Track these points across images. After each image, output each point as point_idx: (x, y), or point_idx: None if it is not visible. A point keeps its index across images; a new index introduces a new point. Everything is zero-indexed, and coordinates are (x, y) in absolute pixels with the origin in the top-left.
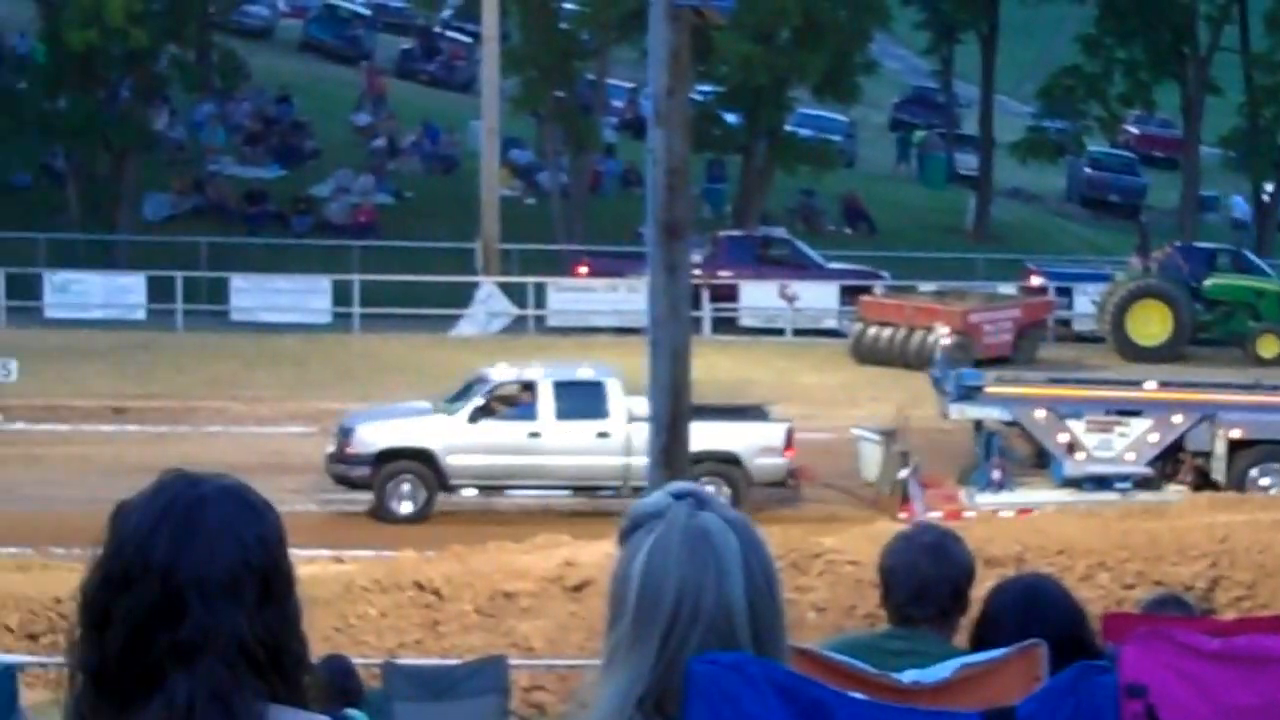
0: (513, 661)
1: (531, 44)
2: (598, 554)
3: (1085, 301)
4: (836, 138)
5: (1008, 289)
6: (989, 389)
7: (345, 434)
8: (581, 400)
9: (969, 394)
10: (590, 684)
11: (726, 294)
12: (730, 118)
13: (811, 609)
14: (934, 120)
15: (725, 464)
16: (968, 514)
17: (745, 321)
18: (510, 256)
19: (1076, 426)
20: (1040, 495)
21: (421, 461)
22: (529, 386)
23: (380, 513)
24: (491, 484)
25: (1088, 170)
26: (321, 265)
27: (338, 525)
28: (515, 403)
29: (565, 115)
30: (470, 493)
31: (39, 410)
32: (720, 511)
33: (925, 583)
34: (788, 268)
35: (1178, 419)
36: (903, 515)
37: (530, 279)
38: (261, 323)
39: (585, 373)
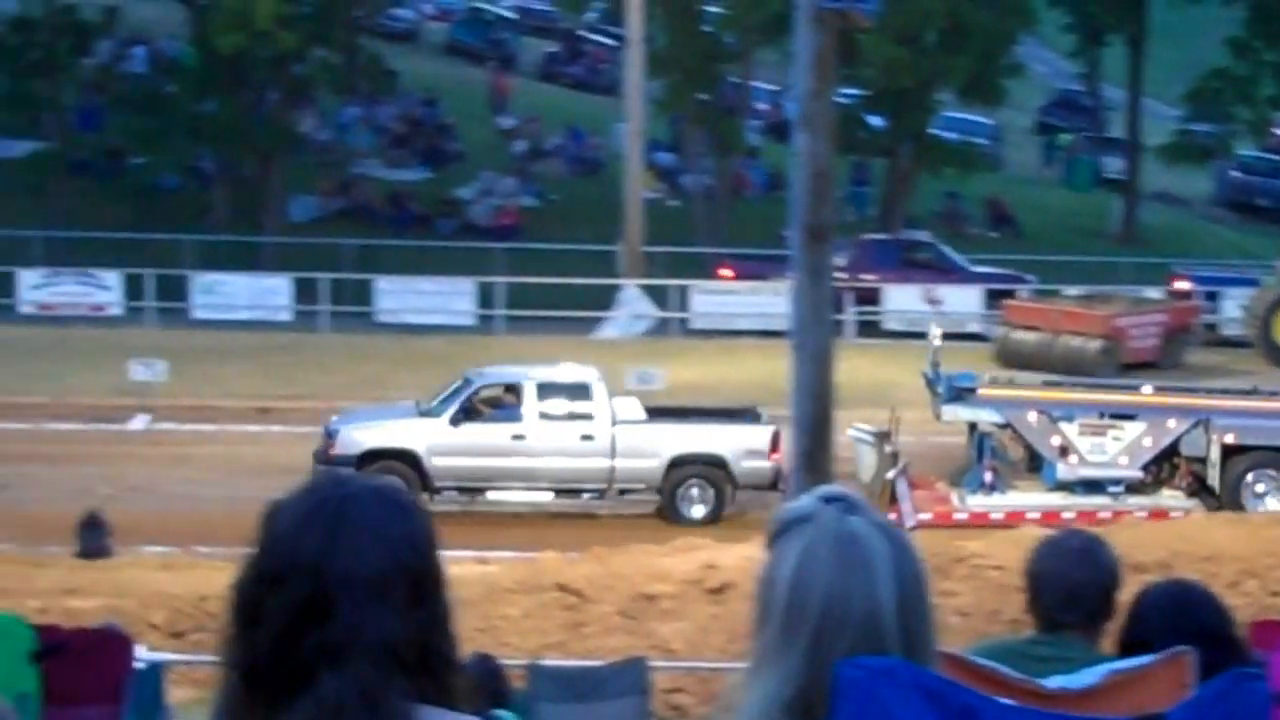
0: (653, 663)
1: (676, 47)
2: (738, 557)
3: (1232, 306)
4: (981, 141)
5: (1154, 293)
6: (981, 391)
7: (330, 435)
8: (566, 402)
9: (961, 396)
10: (735, 687)
11: (870, 297)
12: (875, 121)
13: (955, 614)
14: (1080, 123)
15: (710, 467)
16: (958, 516)
17: (889, 325)
18: (653, 259)
19: (1069, 429)
20: (1031, 498)
21: (405, 463)
22: (514, 388)
23: None
24: (475, 486)
25: (1236, 173)
26: (465, 267)
27: (476, 526)
28: (501, 404)
29: (709, 118)
30: (452, 494)
31: (186, 410)
32: (870, 516)
33: (1075, 588)
34: (932, 271)
35: (1172, 423)
36: (891, 516)
37: (673, 281)
38: (406, 324)
39: (570, 374)
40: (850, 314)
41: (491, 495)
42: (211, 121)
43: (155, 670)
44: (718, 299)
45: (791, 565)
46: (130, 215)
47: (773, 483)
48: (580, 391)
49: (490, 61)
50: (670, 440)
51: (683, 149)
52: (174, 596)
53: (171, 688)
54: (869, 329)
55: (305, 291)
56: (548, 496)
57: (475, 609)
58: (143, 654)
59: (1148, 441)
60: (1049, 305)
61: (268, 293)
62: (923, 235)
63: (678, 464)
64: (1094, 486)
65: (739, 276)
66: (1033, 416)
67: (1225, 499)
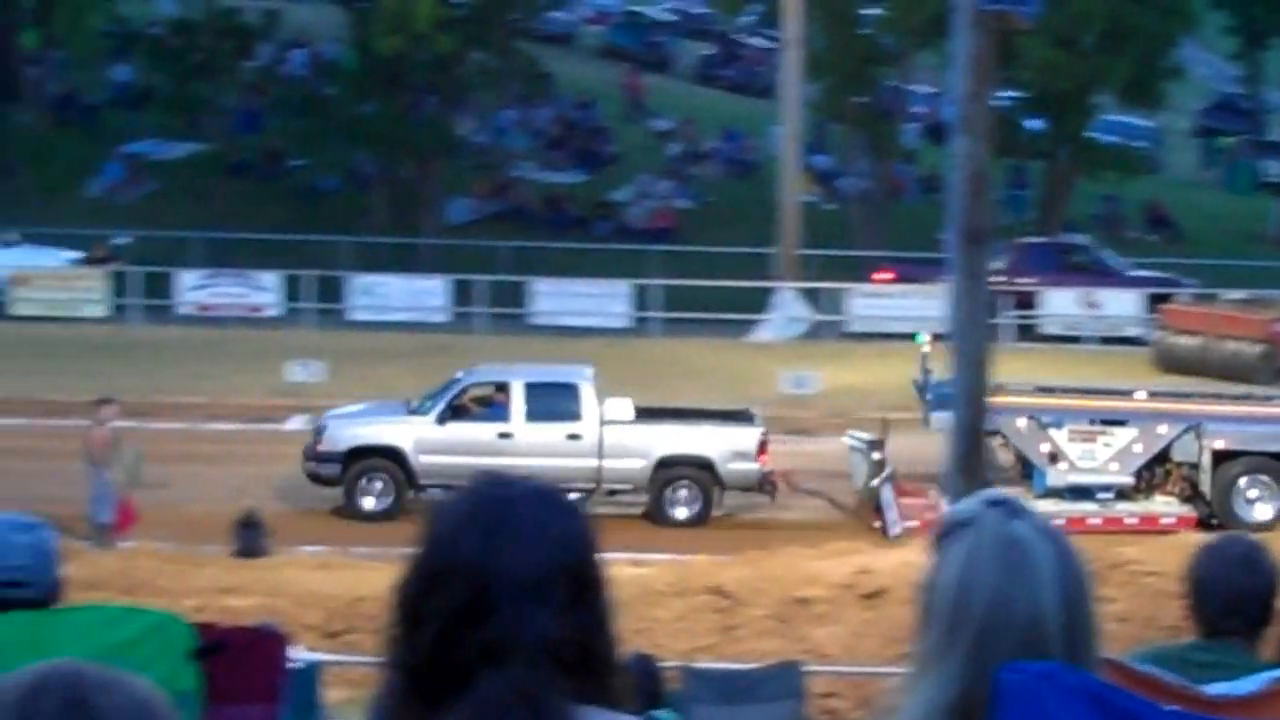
0: (807, 667)
1: (833, 49)
2: (894, 561)
3: None
4: (1140, 144)
5: None
6: None
7: (318, 432)
8: (554, 402)
9: (948, 402)
10: (895, 691)
11: (1027, 301)
12: (1033, 123)
13: (1112, 620)
14: (1241, 126)
15: (697, 468)
16: None
17: (1046, 329)
18: (809, 262)
19: (1058, 436)
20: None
21: (391, 460)
22: (502, 387)
23: (348, 510)
24: (460, 484)
25: None
26: (621, 269)
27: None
28: (490, 403)
29: (866, 120)
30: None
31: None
32: (1034, 520)
33: (1238, 595)
34: (1089, 275)
35: (1163, 429)
36: (876, 525)
37: (829, 284)
38: (561, 326)
39: (559, 374)
40: (1007, 317)
41: None
42: (370, 124)
43: (311, 670)
44: (874, 302)
45: (955, 569)
46: (289, 217)
47: (760, 485)
48: (568, 392)
49: (627, 63)
50: (658, 441)
51: (839, 152)
52: (329, 597)
53: (326, 688)
54: (1026, 333)
55: (461, 293)
56: None
57: (628, 611)
58: (299, 654)
59: (1138, 448)
60: (1208, 310)
61: (424, 294)
62: (1081, 238)
63: (665, 465)
64: (1083, 493)
65: (897, 280)
66: (1022, 423)
67: (1216, 505)
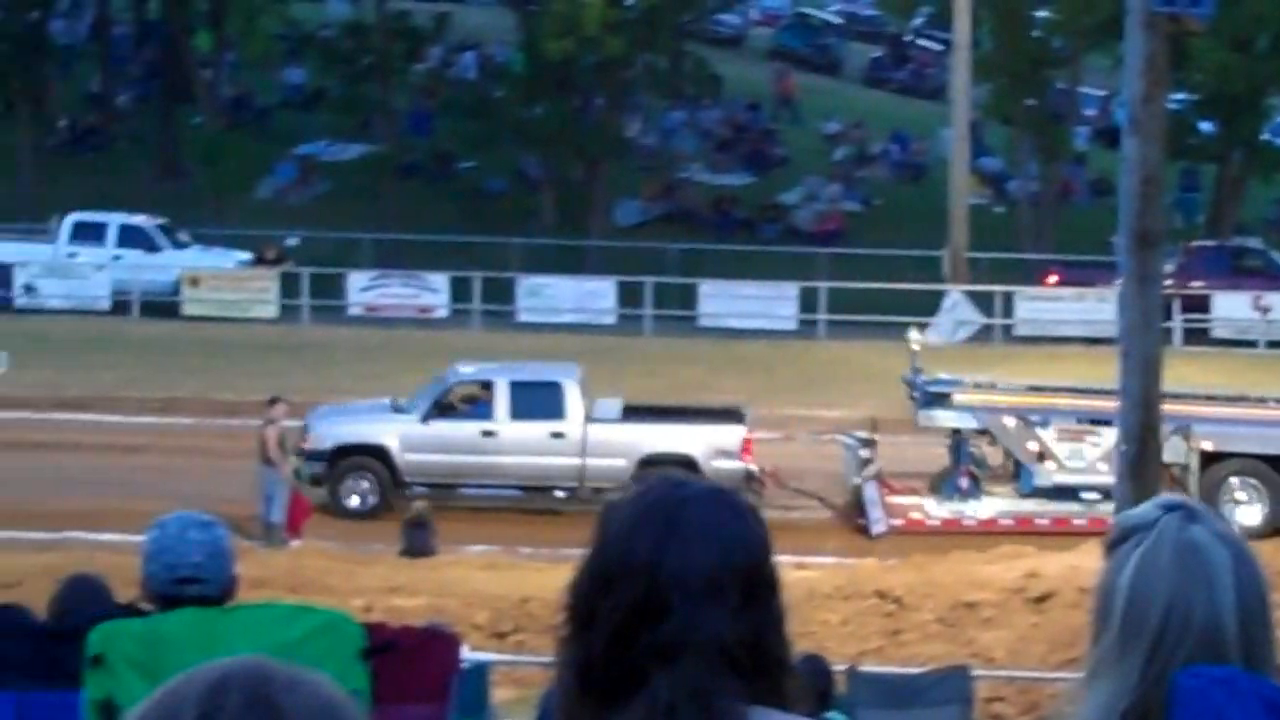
0: (974, 672)
1: (1003, 51)
2: (1062, 565)
3: None
4: None
5: None
6: (958, 396)
7: (305, 430)
8: (537, 400)
9: (937, 400)
10: (1067, 696)
11: (1198, 305)
12: (1205, 126)
13: None
14: None
15: (680, 467)
16: (930, 522)
17: (1217, 333)
18: (978, 264)
19: (1046, 435)
20: (1006, 505)
21: (376, 458)
22: (487, 386)
23: (334, 508)
24: (444, 482)
25: None
26: (789, 272)
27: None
28: (475, 401)
29: (1036, 123)
30: (421, 491)
31: None
32: (1211, 525)
33: None
34: (1262, 278)
35: None
36: (860, 522)
37: (998, 287)
38: (728, 328)
39: (543, 372)
40: (1178, 321)
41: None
42: (539, 126)
43: (480, 670)
44: (1043, 305)
45: (1130, 574)
46: (458, 218)
47: (746, 483)
48: (552, 390)
49: (779, 62)
50: (641, 440)
51: (1008, 154)
52: (497, 596)
53: (494, 687)
54: (1197, 336)
55: (629, 295)
56: (516, 494)
57: (794, 614)
58: (467, 654)
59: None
60: None
61: (592, 296)
62: (1253, 242)
63: (648, 463)
64: (1068, 493)
65: (1065, 283)
66: (1010, 422)
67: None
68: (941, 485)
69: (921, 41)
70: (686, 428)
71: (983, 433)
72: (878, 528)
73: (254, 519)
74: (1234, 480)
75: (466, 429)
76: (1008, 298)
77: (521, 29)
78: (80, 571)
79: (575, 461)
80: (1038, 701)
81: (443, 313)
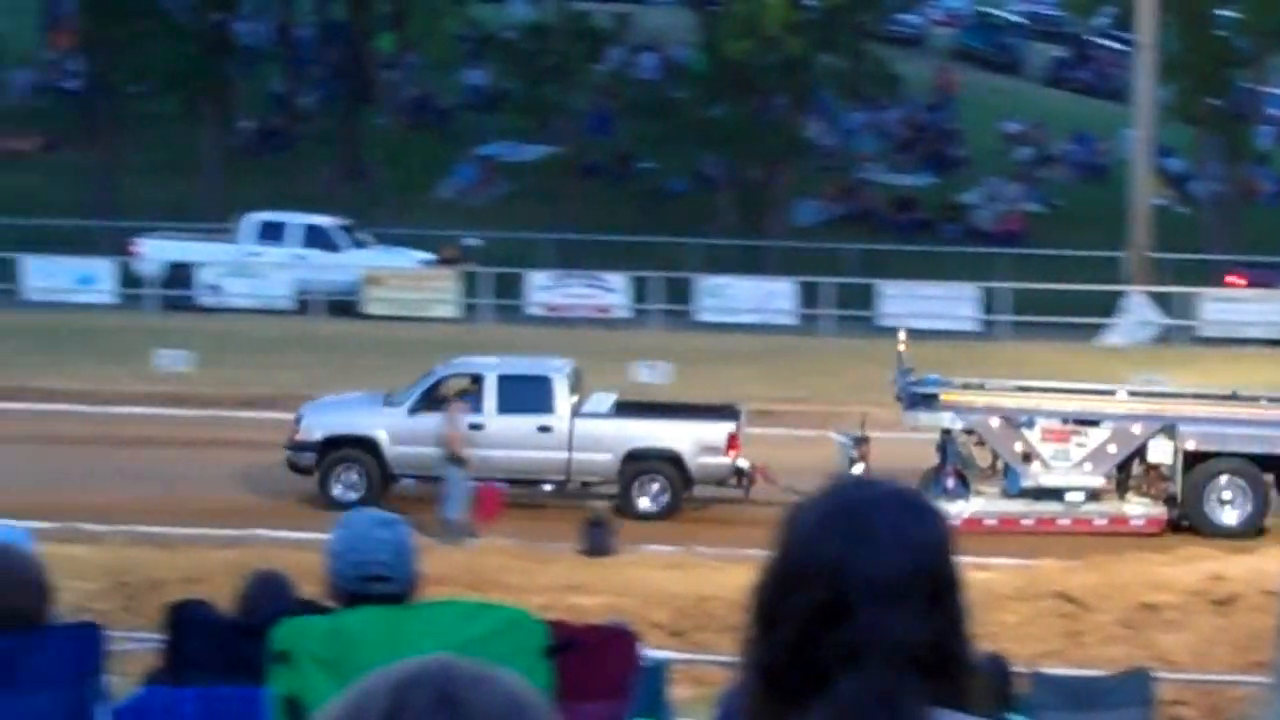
0: (1155, 675)
1: (1187, 52)
2: (1246, 568)
3: None
4: None
5: None
6: (944, 396)
7: (296, 421)
8: (526, 394)
9: (923, 401)
10: (1251, 700)
11: None
12: None
13: None
14: None
15: (665, 462)
16: None
17: None
18: (1160, 265)
19: (1031, 436)
20: (992, 505)
21: (365, 450)
22: (476, 379)
23: (324, 499)
24: (432, 475)
25: None
26: (969, 272)
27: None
28: (464, 395)
29: (1220, 123)
30: (408, 483)
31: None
32: None
33: None
34: None
35: (1137, 430)
36: None
37: (1181, 289)
38: (909, 329)
39: (532, 366)
40: None
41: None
42: (719, 126)
43: (659, 669)
44: (1226, 307)
45: None
46: (637, 218)
47: (735, 479)
48: (540, 384)
49: (935, 59)
50: (627, 435)
51: (1192, 155)
52: (676, 596)
53: (673, 686)
54: None
55: (808, 295)
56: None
57: (974, 615)
58: (646, 652)
59: (1113, 448)
60: None
61: (771, 296)
62: None
63: (633, 458)
64: (1053, 494)
65: (1250, 284)
66: (995, 422)
67: (1187, 507)
68: (929, 485)
69: (1104, 41)
70: (672, 423)
71: (971, 433)
72: None
73: (438, 517)
74: (1218, 480)
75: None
76: (1190, 299)
77: (702, 29)
78: (265, 568)
79: (562, 455)
80: (1220, 706)
81: (622, 313)
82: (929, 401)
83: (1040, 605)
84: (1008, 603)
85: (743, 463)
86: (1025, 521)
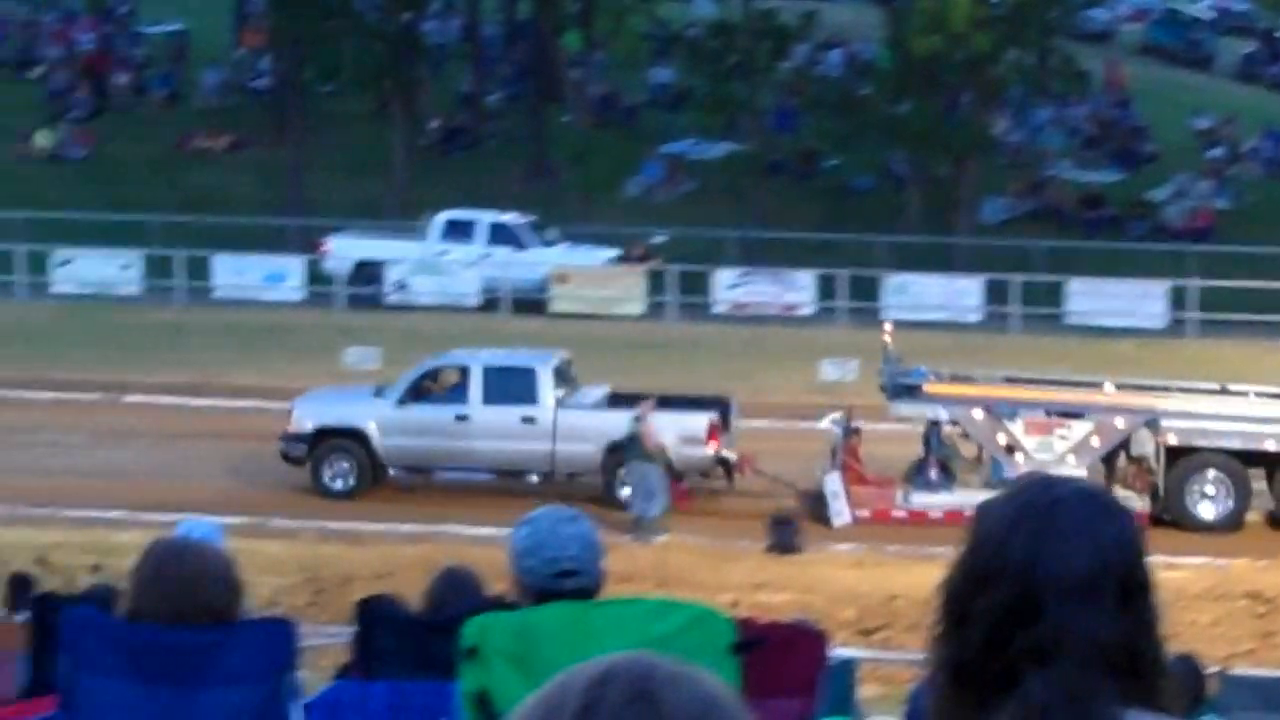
0: None
1: None
2: None
3: None
4: None
5: None
6: (927, 388)
7: (290, 412)
8: (510, 386)
9: (907, 392)
10: None
11: None
12: None
13: None
14: None
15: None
16: (897, 514)
17: None
18: None
19: (1015, 428)
20: (971, 497)
21: (355, 441)
22: (463, 371)
23: (317, 489)
24: (419, 465)
25: None
26: (1157, 269)
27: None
28: (452, 386)
29: None
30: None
31: (875, 410)
32: None
33: None
34: None
35: (1119, 423)
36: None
37: None
38: (1096, 327)
39: (517, 358)
40: None
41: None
42: (905, 123)
43: (846, 666)
44: None
45: None
46: (823, 216)
47: (719, 470)
48: (524, 376)
49: (1123, 54)
50: (609, 426)
51: None
52: (862, 594)
53: (860, 684)
54: None
55: (995, 293)
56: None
57: (1164, 615)
58: (834, 650)
59: (1095, 441)
60: None
61: (958, 294)
62: None
63: (616, 449)
64: None
65: None
66: (979, 414)
67: (1169, 501)
68: (914, 476)
69: None
70: (655, 415)
71: (952, 425)
72: (839, 519)
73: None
74: (1200, 475)
75: (441, 413)
76: None
77: (889, 25)
78: (453, 564)
79: (546, 446)
80: None
81: (808, 310)
82: (912, 392)
83: (1232, 605)
84: (1199, 602)
85: (728, 454)
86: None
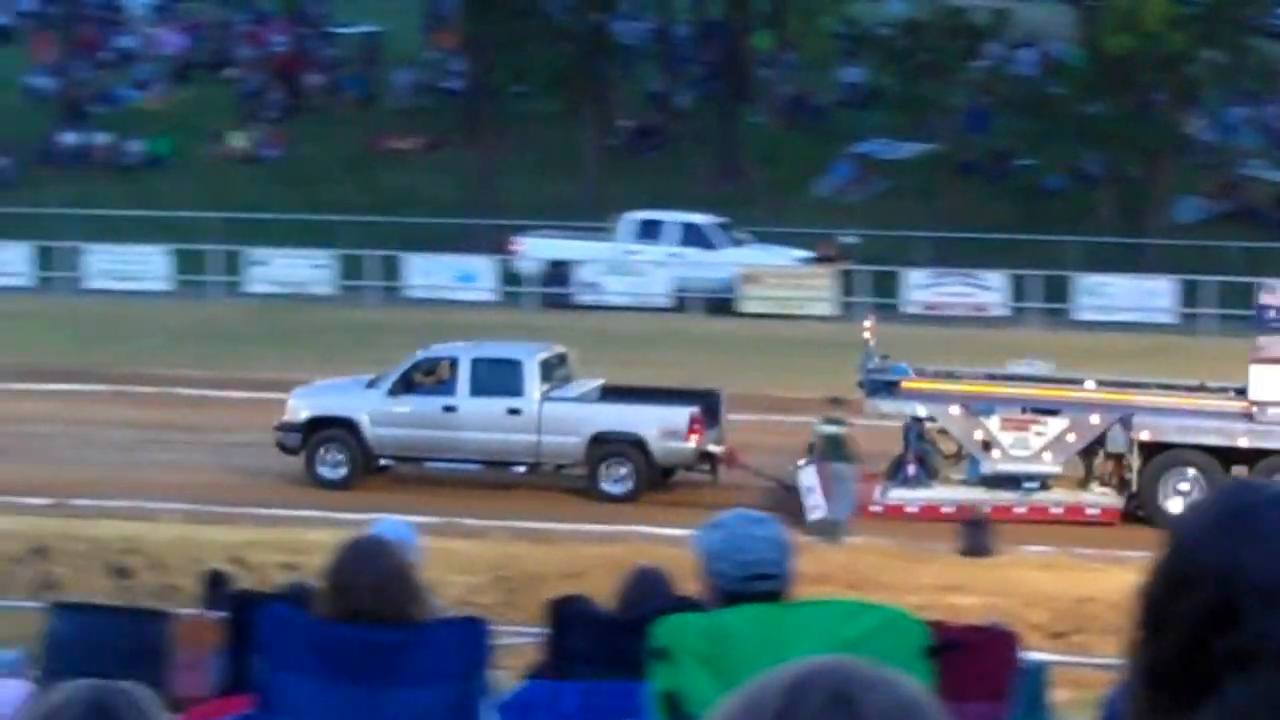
0: None
1: None
2: None
3: None
4: None
5: None
6: (905, 384)
7: (286, 403)
8: (497, 377)
9: (884, 388)
10: None
11: None
12: None
13: None
14: None
15: (630, 445)
16: (873, 509)
17: None
18: None
19: (991, 424)
20: (950, 493)
21: (347, 431)
22: (452, 362)
23: (310, 478)
24: (409, 456)
25: None
26: None
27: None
28: (444, 378)
29: None
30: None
31: None
32: None
33: None
34: None
35: (1095, 419)
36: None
37: None
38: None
39: (505, 350)
40: None
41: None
42: (1098, 123)
43: (1039, 670)
44: None
45: None
46: (1015, 216)
47: (704, 464)
48: (511, 368)
49: None
50: (593, 418)
51: None
52: (1055, 597)
53: (1053, 689)
54: None
55: (1189, 294)
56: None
57: None
58: (1026, 654)
59: (1071, 437)
60: None
61: (1151, 295)
62: None
63: (599, 441)
64: (1010, 481)
65: None
66: (955, 410)
67: (1143, 498)
68: (893, 472)
69: None
70: (636, 408)
71: (930, 420)
72: (811, 515)
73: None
74: (1174, 471)
75: (429, 404)
76: None
77: (1082, 25)
78: (644, 563)
79: (531, 438)
80: None
81: (999, 311)
82: (890, 389)
83: None
84: None
85: (712, 447)
86: (982, 509)
